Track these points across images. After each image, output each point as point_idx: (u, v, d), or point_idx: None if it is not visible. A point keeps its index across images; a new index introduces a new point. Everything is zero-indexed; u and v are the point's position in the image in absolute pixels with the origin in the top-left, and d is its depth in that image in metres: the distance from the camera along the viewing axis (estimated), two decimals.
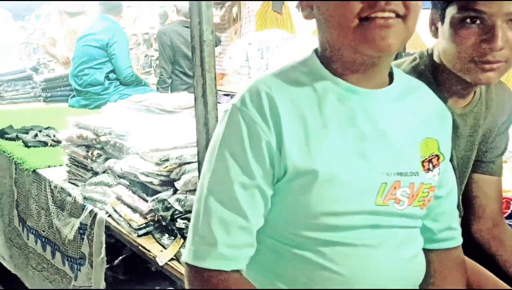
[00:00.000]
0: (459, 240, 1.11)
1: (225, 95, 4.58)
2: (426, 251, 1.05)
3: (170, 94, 3.16)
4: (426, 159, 0.97)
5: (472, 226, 1.39)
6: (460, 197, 1.32)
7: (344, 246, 0.91)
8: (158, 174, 1.87)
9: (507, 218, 1.56)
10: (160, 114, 2.38)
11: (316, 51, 0.96)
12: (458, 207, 1.15)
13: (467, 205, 1.39)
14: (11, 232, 2.94)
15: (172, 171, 1.85)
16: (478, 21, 1.12)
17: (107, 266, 2.18)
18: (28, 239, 2.71)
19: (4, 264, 3.03)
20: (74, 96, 4.34)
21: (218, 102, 1.43)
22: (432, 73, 1.25)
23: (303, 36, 4.23)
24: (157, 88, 4.47)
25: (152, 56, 5.89)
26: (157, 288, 2.48)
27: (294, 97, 0.90)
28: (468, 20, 1.13)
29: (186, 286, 0.93)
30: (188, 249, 0.91)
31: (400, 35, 0.86)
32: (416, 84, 1.05)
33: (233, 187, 0.88)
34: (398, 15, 0.85)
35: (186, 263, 0.91)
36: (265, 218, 0.92)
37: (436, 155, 0.99)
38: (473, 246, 1.33)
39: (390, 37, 0.85)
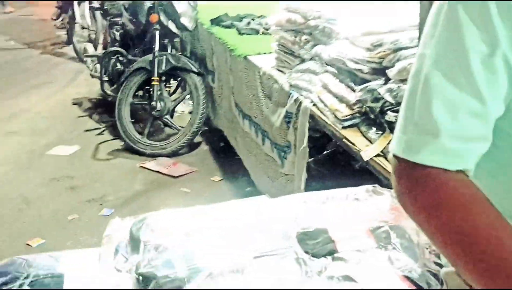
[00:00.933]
0: None
1: None
2: None
3: None
4: None
5: None
6: None
7: None
8: (368, 61, 1.71)
9: None
10: None
11: None
12: None
13: None
14: (231, 116, 3.08)
15: (385, 58, 1.66)
16: None
17: (311, 159, 2.13)
18: (244, 124, 2.82)
19: (232, 145, 3.18)
20: None
21: None
22: None
23: None
24: None
25: None
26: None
27: None
28: None
29: (393, 184, 0.75)
30: (397, 138, 0.72)
31: None
32: None
33: (467, 56, 0.66)
34: None
35: (394, 155, 0.73)
36: (507, 105, 0.68)
37: None
38: None
39: None
